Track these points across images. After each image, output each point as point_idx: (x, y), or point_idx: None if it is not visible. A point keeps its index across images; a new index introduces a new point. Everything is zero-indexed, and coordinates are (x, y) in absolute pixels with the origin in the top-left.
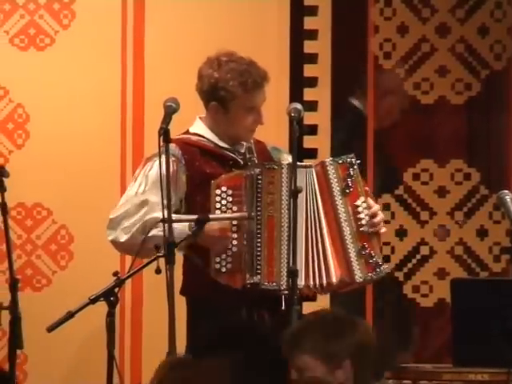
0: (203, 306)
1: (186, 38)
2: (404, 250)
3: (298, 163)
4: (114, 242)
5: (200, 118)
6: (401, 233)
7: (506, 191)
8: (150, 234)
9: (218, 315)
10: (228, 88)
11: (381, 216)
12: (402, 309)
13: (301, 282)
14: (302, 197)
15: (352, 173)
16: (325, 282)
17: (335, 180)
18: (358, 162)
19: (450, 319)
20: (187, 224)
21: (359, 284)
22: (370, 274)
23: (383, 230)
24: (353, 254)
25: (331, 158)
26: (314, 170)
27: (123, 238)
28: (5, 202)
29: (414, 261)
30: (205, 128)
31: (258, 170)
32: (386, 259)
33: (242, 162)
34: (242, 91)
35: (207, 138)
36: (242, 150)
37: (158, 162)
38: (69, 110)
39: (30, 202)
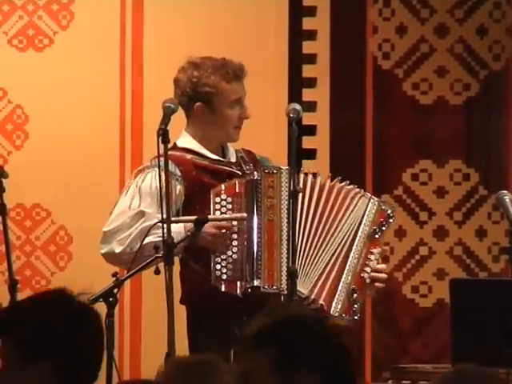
0: (204, 315)
1: (184, 38)
2: (403, 250)
3: (365, 192)
4: (108, 254)
5: (186, 130)
6: (400, 233)
7: (505, 191)
8: (145, 242)
9: (220, 324)
10: (211, 83)
11: (383, 276)
12: None
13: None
14: (355, 220)
15: (385, 224)
16: (313, 296)
17: (369, 220)
18: (394, 219)
19: (449, 319)
20: (183, 225)
21: (329, 316)
22: (344, 316)
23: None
24: (343, 290)
25: (378, 199)
26: (367, 199)
27: (118, 248)
28: (4, 202)
29: (413, 261)
30: (193, 141)
31: (257, 175)
32: (385, 260)
33: (239, 173)
34: (225, 83)
35: (199, 154)
36: (233, 160)
37: (150, 174)
38: (67, 111)
39: (28, 203)
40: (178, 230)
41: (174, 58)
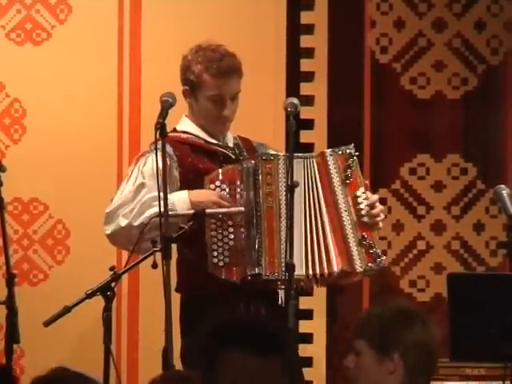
0: (200, 303)
1: (182, 31)
2: (401, 244)
3: (298, 154)
4: (114, 232)
5: (186, 115)
6: (397, 227)
7: (503, 186)
8: (147, 214)
9: (215, 312)
10: (196, 71)
11: (380, 207)
12: None
13: (301, 271)
14: (302, 187)
15: (351, 164)
16: (326, 271)
17: (335, 171)
18: (357, 153)
19: (447, 314)
20: (186, 192)
21: (358, 274)
22: (370, 265)
23: (380, 222)
24: (353, 244)
25: (331, 149)
26: (314, 160)
27: (124, 222)
28: (1, 196)
29: (410, 255)
30: (191, 124)
31: (254, 162)
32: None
33: (233, 157)
34: (207, 76)
35: (196, 135)
36: (231, 145)
37: (151, 157)
38: (65, 105)
39: (26, 197)
40: (184, 199)
41: (172, 51)
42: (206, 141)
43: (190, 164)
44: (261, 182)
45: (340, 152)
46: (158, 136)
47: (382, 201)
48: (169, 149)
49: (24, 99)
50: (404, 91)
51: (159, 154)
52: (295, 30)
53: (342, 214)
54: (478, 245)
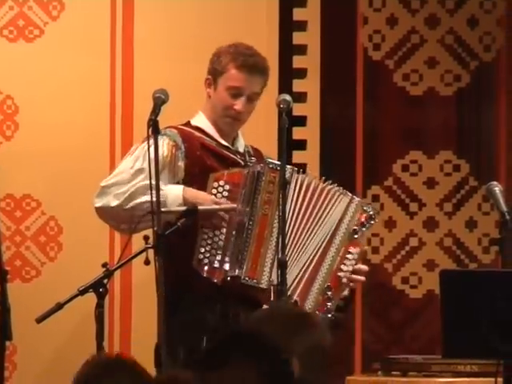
0: (179, 298)
1: (175, 28)
2: (393, 241)
3: (340, 188)
4: (103, 208)
5: (201, 110)
6: (390, 224)
7: (495, 182)
8: (140, 200)
9: (192, 308)
10: (223, 62)
11: (361, 279)
12: None
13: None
14: (335, 219)
15: (366, 224)
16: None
17: (349, 219)
18: (377, 221)
19: (439, 311)
20: (181, 188)
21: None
22: (317, 313)
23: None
24: (316, 286)
25: (360, 199)
26: (343, 198)
27: (114, 202)
28: None
29: (402, 252)
30: (206, 121)
31: (260, 168)
32: (375, 251)
33: (242, 163)
34: (232, 67)
35: (209, 135)
36: (241, 150)
37: (160, 141)
38: (58, 102)
39: (18, 194)
40: (177, 194)
41: (165, 48)
42: (217, 142)
43: (198, 158)
44: (262, 188)
45: (365, 208)
46: (150, 133)
47: (375, 198)
48: (178, 138)
49: (16, 96)
50: (397, 88)
51: (152, 151)
52: (288, 26)
53: (327, 257)
54: (470, 242)
